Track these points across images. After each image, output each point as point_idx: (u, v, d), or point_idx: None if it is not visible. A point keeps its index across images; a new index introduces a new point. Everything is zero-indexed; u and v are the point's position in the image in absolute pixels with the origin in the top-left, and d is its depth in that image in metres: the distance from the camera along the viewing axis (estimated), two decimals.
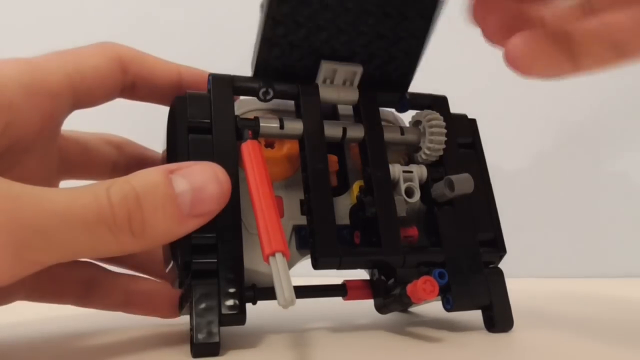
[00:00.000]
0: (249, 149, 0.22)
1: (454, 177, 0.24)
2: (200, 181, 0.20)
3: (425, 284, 0.22)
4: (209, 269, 0.21)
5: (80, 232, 0.17)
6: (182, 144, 0.22)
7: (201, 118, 0.23)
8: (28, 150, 0.22)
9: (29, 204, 0.17)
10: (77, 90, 0.22)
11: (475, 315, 0.26)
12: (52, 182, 0.25)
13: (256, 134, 0.23)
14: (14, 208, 0.16)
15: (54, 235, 0.17)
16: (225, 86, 0.24)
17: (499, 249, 0.27)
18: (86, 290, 0.26)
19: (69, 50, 0.23)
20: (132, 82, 0.25)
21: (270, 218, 0.20)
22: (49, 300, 0.26)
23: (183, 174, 0.20)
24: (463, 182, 0.24)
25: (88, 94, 0.23)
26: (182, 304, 0.24)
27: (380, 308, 0.26)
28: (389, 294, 0.25)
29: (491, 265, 0.26)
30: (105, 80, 0.23)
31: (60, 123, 0.23)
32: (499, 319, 0.25)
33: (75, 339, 0.25)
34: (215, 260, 0.21)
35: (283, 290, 0.18)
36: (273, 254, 0.19)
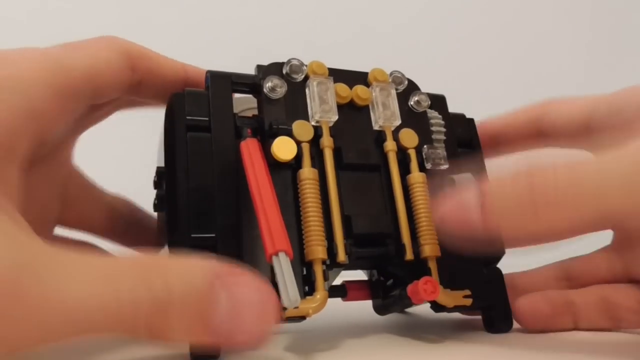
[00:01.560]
0: (248, 148, 0.22)
1: (455, 177, 0.24)
2: (244, 300, 0.16)
3: (426, 284, 0.21)
4: None
5: (84, 333, 0.15)
6: (180, 142, 0.22)
7: (199, 116, 0.23)
8: (39, 162, 0.21)
9: (29, 287, 0.14)
10: (94, 88, 0.21)
11: (474, 316, 0.26)
12: (48, 218, 0.23)
13: (255, 134, 0.23)
14: (12, 292, 0.14)
15: (51, 330, 0.15)
16: (224, 83, 0.24)
17: (498, 249, 0.26)
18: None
19: (78, 44, 0.21)
20: (139, 79, 0.23)
21: (272, 217, 0.20)
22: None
23: (230, 287, 0.16)
24: (465, 182, 0.24)
25: (102, 92, 0.21)
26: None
27: (379, 309, 0.26)
28: (388, 295, 0.25)
29: (490, 266, 0.26)
30: (117, 77, 0.22)
31: (77, 130, 0.22)
32: (498, 319, 0.25)
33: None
34: None
35: (287, 290, 0.18)
36: (276, 254, 0.19)
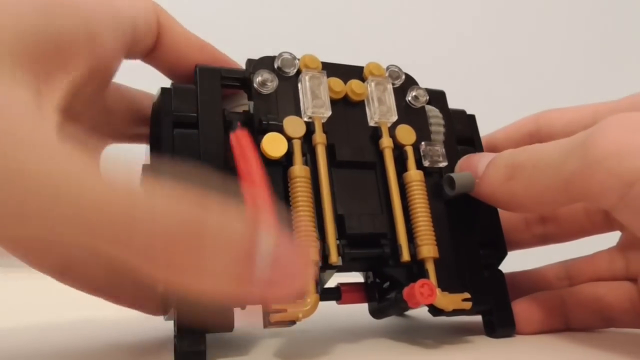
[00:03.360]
0: (239, 139, 0.21)
1: (454, 175, 0.23)
2: (290, 256, 0.16)
3: (422, 287, 0.21)
4: None
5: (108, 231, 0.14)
6: (166, 138, 0.21)
7: (187, 112, 0.22)
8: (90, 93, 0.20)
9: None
10: (132, 41, 0.20)
11: (475, 320, 0.25)
12: (97, 143, 0.24)
13: (246, 124, 0.22)
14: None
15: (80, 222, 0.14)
16: (213, 78, 0.23)
17: (499, 250, 0.25)
18: None
19: None
20: (158, 43, 0.22)
21: (263, 195, 0.18)
22: None
23: (272, 232, 0.16)
24: (464, 180, 0.23)
25: (135, 46, 0.21)
26: (166, 309, 0.23)
27: (375, 313, 0.25)
28: (384, 298, 0.24)
29: (491, 267, 0.25)
30: (148, 33, 0.21)
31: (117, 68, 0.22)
32: (499, 323, 0.24)
33: (55, 346, 0.24)
34: None
35: None
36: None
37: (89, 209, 0.14)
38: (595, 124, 0.19)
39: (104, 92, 0.22)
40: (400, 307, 0.22)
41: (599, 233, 0.28)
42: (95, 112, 0.22)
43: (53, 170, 0.14)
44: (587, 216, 0.27)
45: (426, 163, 0.24)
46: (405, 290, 0.21)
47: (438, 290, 0.21)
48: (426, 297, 0.20)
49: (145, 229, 0.14)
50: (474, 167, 0.24)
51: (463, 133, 0.27)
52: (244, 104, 0.24)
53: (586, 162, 0.19)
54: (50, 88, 0.16)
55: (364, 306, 0.25)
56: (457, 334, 0.25)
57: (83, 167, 0.14)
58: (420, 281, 0.21)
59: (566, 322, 0.25)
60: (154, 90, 0.23)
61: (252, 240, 0.15)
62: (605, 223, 0.27)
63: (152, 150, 0.22)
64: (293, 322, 0.19)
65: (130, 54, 0.21)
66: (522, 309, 0.25)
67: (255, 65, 0.23)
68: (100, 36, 0.18)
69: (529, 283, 0.28)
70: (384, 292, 0.24)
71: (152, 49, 0.22)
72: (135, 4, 0.21)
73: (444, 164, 0.24)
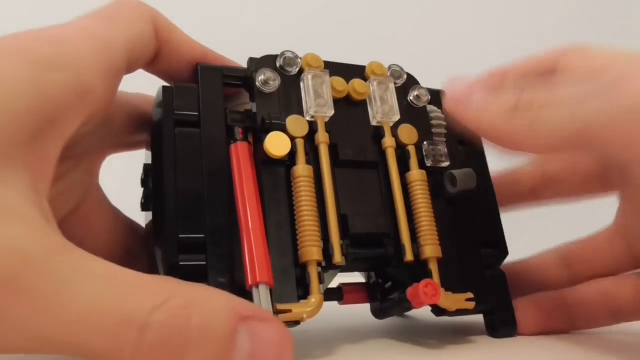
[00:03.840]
0: (237, 153, 0.21)
1: (456, 172, 0.23)
2: (264, 349, 0.16)
3: (426, 287, 0.20)
4: (197, 270, 0.20)
5: (71, 351, 0.14)
6: (168, 138, 0.21)
7: (189, 111, 0.22)
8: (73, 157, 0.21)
9: (29, 280, 0.13)
10: (130, 64, 0.20)
11: (476, 320, 0.25)
12: (97, 156, 0.23)
13: (247, 132, 0.22)
14: (8, 282, 0.13)
15: (39, 336, 0.13)
16: (215, 77, 0.23)
17: (501, 250, 0.25)
18: None
19: (112, 14, 0.20)
20: (158, 50, 0.22)
21: (257, 242, 0.19)
22: None
23: (251, 329, 0.16)
24: (466, 178, 0.23)
25: (133, 65, 0.21)
26: None
27: (378, 313, 0.25)
28: (386, 298, 0.24)
29: (493, 268, 0.25)
30: (147, 48, 0.21)
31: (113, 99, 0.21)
32: (501, 323, 0.24)
33: None
34: (204, 263, 0.20)
35: None
36: (257, 285, 0.18)
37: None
38: (626, 65, 0.18)
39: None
40: (403, 307, 0.22)
41: (592, 196, 0.27)
42: (92, 129, 0.21)
43: None
44: (582, 175, 0.26)
45: (429, 163, 0.24)
46: (409, 291, 0.21)
47: (442, 290, 0.21)
48: (430, 297, 0.20)
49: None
50: (469, 96, 0.22)
51: (465, 132, 0.27)
52: (246, 103, 0.24)
53: (614, 108, 0.17)
54: (41, 171, 0.16)
55: (366, 306, 0.25)
56: (459, 334, 0.25)
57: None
58: (425, 281, 0.20)
59: (571, 322, 0.25)
60: (155, 88, 0.23)
61: (233, 339, 0.15)
62: (599, 186, 0.26)
63: (153, 149, 0.22)
64: (297, 323, 0.19)
65: (129, 71, 0.21)
66: (524, 310, 0.25)
67: (257, 64, 0.23)
68: (91, 86, 0.17)
69: (527, 275, 0.27)
70: (387, 293, 0.24)
71: (152, 61, 0.22)
72: (129, 26, 0.20)
73: (446, 164, 0.24)
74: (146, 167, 0.23)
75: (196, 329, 0.14)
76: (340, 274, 0.23)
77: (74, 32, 0.18)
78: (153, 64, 0.23)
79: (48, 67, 0.16)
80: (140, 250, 0.25)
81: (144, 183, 0.23)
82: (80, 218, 0.23)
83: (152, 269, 0.21)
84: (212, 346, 0.15)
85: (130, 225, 0.26)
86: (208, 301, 0.15)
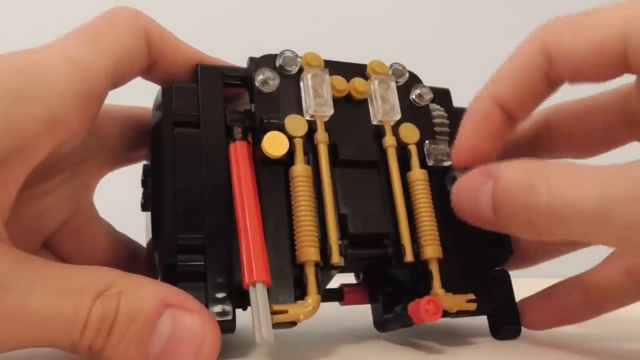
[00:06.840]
0: (236, 153, 0.21)
1: (458, 174, 0.22)
2: (184, 336, 0.17)
3: (428, 304, 0.20)
4: (195, 271, 0.20)
5: (39, 344, 0.16)
6: (167, 138, 0.21)
7: (188, 111, 0.22)
8: (57, 175, 0.21)
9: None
10: (114, 81, 0.20)
11: (481, 321, 0.24)
12: (92, 171, 0.23)
13: (246, 132, 0.22)
14: None
15: (9, 339, 0.16)
16: (214, 77, 0.23)
17: (505, 249, 0.25)
18: None
19: (97, 30, 0.20)
20: (153, 61, 0.22)
21: (254, 241, 0.19)
22: None
23: (175, 316, 0.17)
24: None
25: (121, 80, 0.21)
26: None
27: (380, 326, 0.24)
28: (388, 311, 0.23)
29: (497, 268, 0.25)
30: (136, 62, 0.21)
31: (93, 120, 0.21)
32: (505, 325, 0.24)
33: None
34: (203, 263, 0.20)
35: (261, 325, 0.17)
36: (254, 284, 0.18)
37: None
38: None
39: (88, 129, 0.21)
40: (404, 322, 0.21)
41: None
42: (83, 147, 0.21)
43: None
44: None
45: (430, 162, 0.24)
46: (411, 306, 0.20)
47: (442, 291, 0.21)
48: (431, 315, 0.20)
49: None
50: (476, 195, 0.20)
51: None
52: (246, 103, 0.24)
53: None
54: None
55: (368, 307, 0.25)
56: (462, 335, 0.25)
57: None
58: (426, 298, 0.20)
59: (595, 306, 0.23)
60: (155, 88, 0.23)
61: (155, 322, 0.17)
62: None
63: (152, 150, 0.22)
64: (294, 324, 0.19)
65: (117, 86, 0.21)
66: (540, 305, 0.24)
67: (257, 63, 0.23)
68: (63, 116, 0.18)
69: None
70: (388, 294, 0.24)
71: (147, 70, 0.22)
72: (116, 43, 0.20)
73: (448, 163, 0.24)
74: (146, 168, 0.23)
75: (123, 314, 0.16)
76: (344, 275, 0.22)
77: (51, 59, 0.18)
78: (149, 73, 0.23)
79: (20, 99, 0.17)
80: (132, 265, 0.25)
81: (144, 184, 0.23)
82: (71, 232, 0.23)
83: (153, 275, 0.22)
84: (133, 328, 0.16)
85: (123, 240, 0.26)
86: (137, 289, 0.17)
